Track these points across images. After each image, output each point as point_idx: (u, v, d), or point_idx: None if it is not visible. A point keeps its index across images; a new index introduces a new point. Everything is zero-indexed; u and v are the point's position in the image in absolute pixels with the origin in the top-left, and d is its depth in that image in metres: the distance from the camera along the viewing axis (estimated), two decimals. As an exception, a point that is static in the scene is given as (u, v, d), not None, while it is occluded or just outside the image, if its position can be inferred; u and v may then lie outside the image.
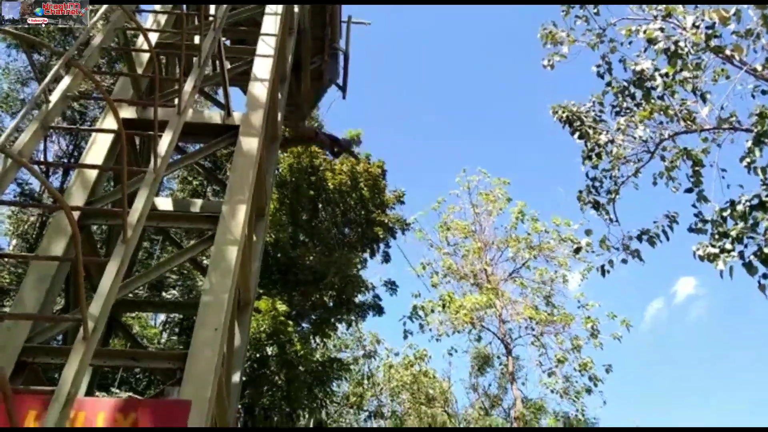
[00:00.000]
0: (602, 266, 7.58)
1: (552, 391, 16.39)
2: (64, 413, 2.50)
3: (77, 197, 4.37)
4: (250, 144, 4.99)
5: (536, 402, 16.72)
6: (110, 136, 4.75)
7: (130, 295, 5.43)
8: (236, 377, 4.83)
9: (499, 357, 18.20)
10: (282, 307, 9.93)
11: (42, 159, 12.40)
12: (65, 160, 13.62)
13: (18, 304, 3.91)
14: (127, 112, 5.10)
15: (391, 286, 15.87)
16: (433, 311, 16.80)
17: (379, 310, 15.03)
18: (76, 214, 3.49)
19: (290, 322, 10.26)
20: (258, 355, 9.91)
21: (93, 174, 4.52)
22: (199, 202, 6.04)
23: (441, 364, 30.36)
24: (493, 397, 18.17)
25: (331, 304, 12.84)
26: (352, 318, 14.64)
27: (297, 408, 12.19)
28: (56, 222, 4.22)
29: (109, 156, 4.75)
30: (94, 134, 5.11)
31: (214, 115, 5.35)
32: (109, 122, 4.86)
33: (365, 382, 19.05)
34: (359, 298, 14.30)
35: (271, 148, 6.60)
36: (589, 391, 16.12)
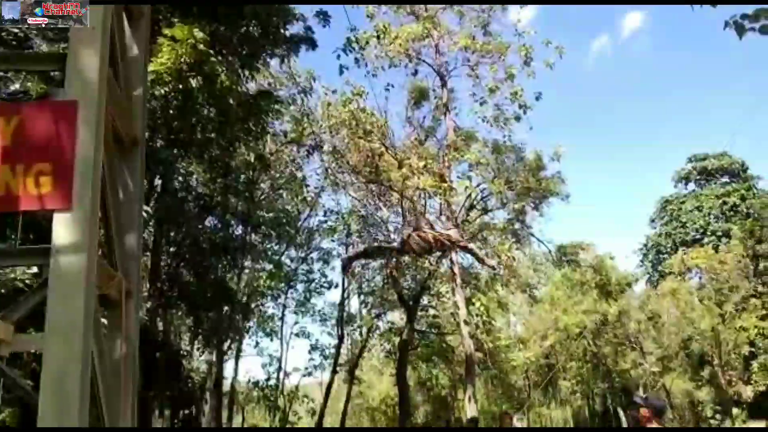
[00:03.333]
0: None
1: (483, 120, 17.08)
2: None
3: None
4: None
5: (467, 131, 17.50)
6: None
7: None
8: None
9: (434, 90, 18.39)
10: (200, 35, 9.31)
11: None
12: None
13: None
14: None
15: (324, 17, 14.94)
16: (368, 43, 16.29)
17: (312, 43, 14.35)
18: None
19: (212, 52, 9.76)
20: (181, 87, 9.57)
21: None
22: None
23: (378, 100, 30.67)
24: (427, 129, 18.87)
25: (257, 35, 12.12)
26: (284, 53, 14.02)
27: (233, 141, 12.33)
28: None
29: None
30: None
31: None
32: None
33: (303, 120, 19.20)
34: (289, 30, 13.50)
35: None
36: (518, 118, 16.82)
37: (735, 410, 27.42)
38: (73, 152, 3.08)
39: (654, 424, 5.27)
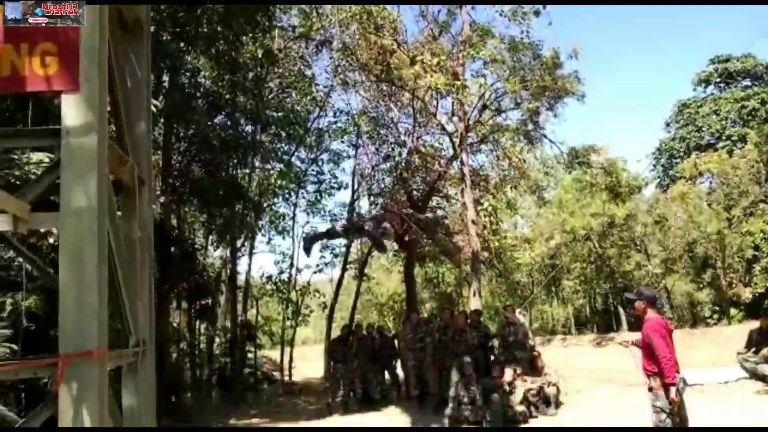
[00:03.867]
0: None
1: (500, 14, 16.37)
2: None
3: None
4: None
5: (484, 26, 16.82)
6: None
7: None
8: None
9: (449, -19, 17.49)
10: None
11: None
12: None
13: None
14: None
15: None
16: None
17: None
18: None
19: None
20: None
21: None
22: None
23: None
24: (442, 23, 18.14)
25: None
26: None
27: (239, 34, 11.99)
28: None
29: None
30: None
31: None
32: None
33: (312, 13, 18.49)
34: None
35: None
36: (536, 13, 16.09)
37: (733, 311, 28.21)
38: (77, 32, 3.00)
39: (652, 314, 5.53)
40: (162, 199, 11.17)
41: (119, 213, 3.71)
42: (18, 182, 6.71)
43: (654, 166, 40.92)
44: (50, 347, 2.77)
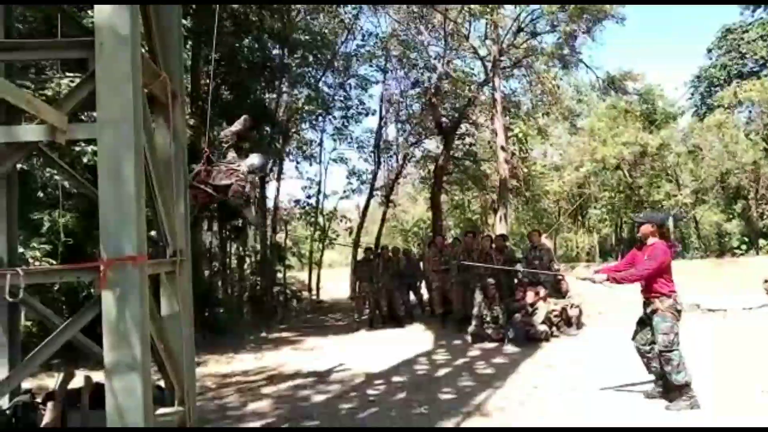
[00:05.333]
0: None
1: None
2: None
3: None
4: None
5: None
6: None
7: None
8: None
9: None
10: None
11: None
12: None
13: None
14: None
15: None
16: None
17: None
18: None
19: None
20: None
21: None
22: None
23: None
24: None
25: None
26: None
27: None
28: None
29: None
30: None
31: None
32: None
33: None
34: None
35: None
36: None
37: (762, 241, 27.85)
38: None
39: (656, 239, 5.55)
40: (192, 121, 11.23)
41: (153, 126, 3.80)
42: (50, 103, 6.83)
43: (692, 94, 39.34)
44: (90, 260, 2.93)
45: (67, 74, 7.61)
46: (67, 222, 8.69)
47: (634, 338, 5.78)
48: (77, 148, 8.38)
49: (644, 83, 25.84)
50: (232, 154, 6.04)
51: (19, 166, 6.42)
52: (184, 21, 10.18)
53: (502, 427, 4.74)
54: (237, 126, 6.19)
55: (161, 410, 3.86)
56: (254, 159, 6.16)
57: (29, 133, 3.03)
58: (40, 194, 9.07)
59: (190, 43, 12.12)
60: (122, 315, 2.95)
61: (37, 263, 8.37)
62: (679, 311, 5.51)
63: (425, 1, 17.63)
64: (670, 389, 5.51)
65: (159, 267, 3.75)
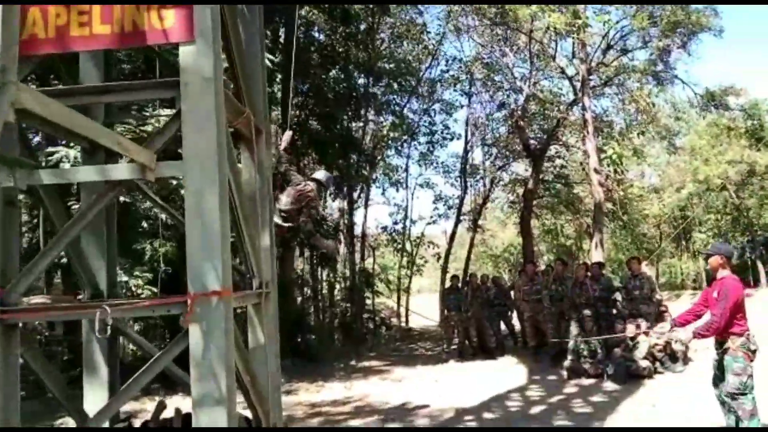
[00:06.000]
0: None
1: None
2: None
3: None
4: None
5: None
6: None
7: None
8: None
9: None
10: None
11: None
12: None
13: None
14: None
15: None
16: None
17: None
18: None
19: None
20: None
21: None
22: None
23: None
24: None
25: None
26: None
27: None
28: None
29: None
30: None
31: None
32: None
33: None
34: None
35: None
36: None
37: None
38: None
39: (726, 272, 5.13)
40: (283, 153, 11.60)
41: (239, 161, 3.87)
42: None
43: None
44: (186, 290, 2.99)
45: (164, 111, 8.03)
46: (167, 251, 9.09)
47: (715, 385, 5.17)
48: (174, 182, 8.81)
49: (748, 98, 24.04)
50: (294, 175, 5.70)
51: (123, 198, 6.79)
52: (272, 57, 10.56)
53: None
54: (284, 143, 5.83)
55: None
56: (319, 174, 5.94)
57: (121, 171, 3.15)
58: (144, 224, 9.61)
59: (279, 76, 12.55)
60: (208, 348, 2.97)
61: (139, 291, 8.83)
62: (753, 351, 4.93)
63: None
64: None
65: (245, 299, 3.78)
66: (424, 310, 21.34)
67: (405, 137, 19.77)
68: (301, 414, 7.69)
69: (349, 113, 16.27)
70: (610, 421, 6.49)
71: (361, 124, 17.62)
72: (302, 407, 8.05)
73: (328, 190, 7.96)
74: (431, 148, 20.82)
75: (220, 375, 2.95)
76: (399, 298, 21.57)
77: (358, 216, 19.40)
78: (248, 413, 4.08)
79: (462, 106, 21.07)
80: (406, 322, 21.01)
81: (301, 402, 8.35)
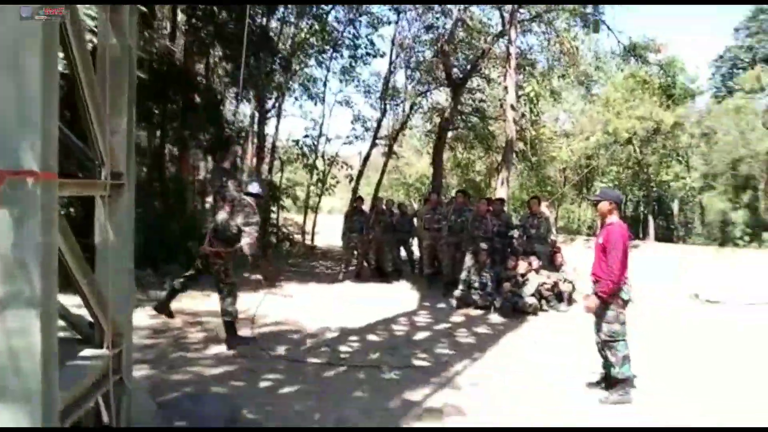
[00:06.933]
0: None
1: None
2: None
3: None
4: None
5: None
6: None
7: None
8: None
9: None
10: None
11: None
12: None
13: None
14: None
15: None
16: None
17: None
18: None
19: None
20: None
21: None
22: None
23: None
24: None
25: None
26: None
27: None
28: None
29: None
30: None
31: None
32: None
33: None
34: None
35: None
36: None
37: (766, 234, 27.32)
38: None
39: (615, 217, 5.03)
40: (183, 40, 10.47)
41: (93, 22, 3.16)
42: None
43: (713, 74, 38.00)
44: None
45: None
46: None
47: (597, 331, 5.14)
48: None
49: (667, 54, 24.69)
50: (229, 192, 6.34)
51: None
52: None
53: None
54: (228, 160, 6.63)
55: (84, 352, 3.37)
56: (252, 188, 6.43)
57: None
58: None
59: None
60: (19, 241, 2.40)
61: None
62: (626, 301, 4.94)
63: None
64: (612, 382, 5.01)
65: (85, 188, 3.19)
66: (333, 229, 21.17)
67: (327, 47, 18.74)
68: (179, 323, 7.26)
69: (264, 7, 14.93)
70: (490, 353, 6.53)
71: (278, 24, 16.36)
72: (182, 315, 7.61)
73: (263, 199, 8.56)
74: (353, 63, 19.94)
75: (34, 274, 2.42)
76: (306, 216, 21.17)
77: (270, 127, 18.50)
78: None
79: (390, 23, 20.14)
80: (312, 240, 20.74)
81: (183, 310, 7.89)
